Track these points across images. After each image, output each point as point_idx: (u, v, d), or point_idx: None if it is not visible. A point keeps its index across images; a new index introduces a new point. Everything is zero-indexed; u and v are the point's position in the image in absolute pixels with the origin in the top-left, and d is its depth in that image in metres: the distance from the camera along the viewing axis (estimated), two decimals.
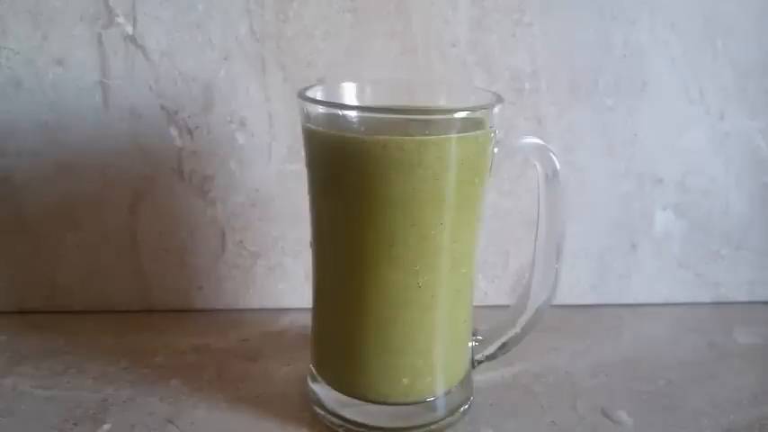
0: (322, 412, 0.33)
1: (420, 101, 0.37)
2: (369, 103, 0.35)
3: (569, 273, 0.46)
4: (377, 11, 0.41)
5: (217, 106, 0.42)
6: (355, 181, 0.29)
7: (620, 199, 0.46)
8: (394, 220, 0.29)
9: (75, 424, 0.33)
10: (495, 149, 0.31)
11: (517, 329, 0.34)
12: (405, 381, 0.32)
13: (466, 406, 0.34)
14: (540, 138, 0.32)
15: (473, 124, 0.29)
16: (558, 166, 0.31)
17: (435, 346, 0.32)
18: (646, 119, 0.44)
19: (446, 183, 0.29)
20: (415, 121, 0.29)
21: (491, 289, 0.47)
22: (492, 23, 0.41)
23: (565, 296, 0.47)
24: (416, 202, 0.29)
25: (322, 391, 0.34)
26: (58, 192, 0.43)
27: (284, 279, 0.46)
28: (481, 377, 0.37)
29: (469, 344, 0.35)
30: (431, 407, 0.33)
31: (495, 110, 0.30)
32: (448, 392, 0.33)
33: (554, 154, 0.31)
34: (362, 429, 0.32)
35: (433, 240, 0.29)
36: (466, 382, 0.35)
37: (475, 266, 0.33)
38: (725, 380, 0.39)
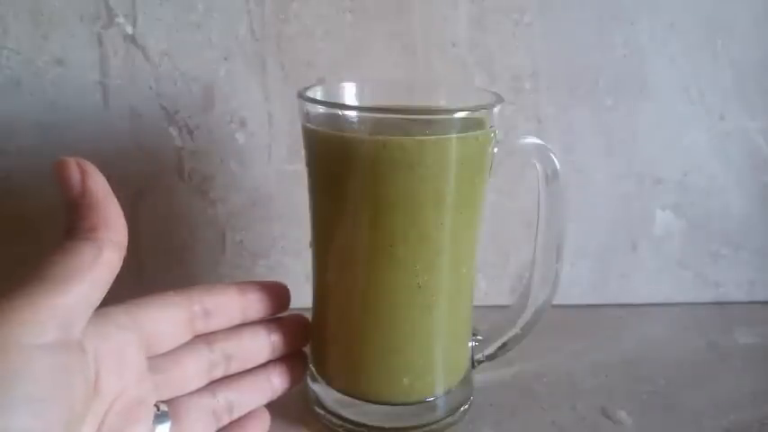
0: (322, 412, 0.33)
1: (420, 101, 0.37)
2: (369, 103, 0.35)
3: (569, 273, 0.46)
4: (377, 11, 0.41)
5: (217, 106, 0.42)
6: (355, 181, 0.29)
7: (620, 199, 0.46)
8: (394, 220, 0.29)
9: None
10: (495, 149, 0.31)
11: (517, 329, 0.34)
12: (405, 381, 0.32)
13: (466, 406, 0.34)
14: (540, 138, 0.32)
15: (473, 124, 0.29)
16: (558, 166, 0.31)
17: (435, 346, 0.32)
18: (646, 119, 0.44)
19: (446, 183, 0.29)
20: (415, 121, 0.29)
21: (491, 289, 0.47)
22: (492, 23, 0.41)
23: (565, 296, 0.46)
24: (416, 202, 0.29)
25: (322, 391, 0.34)
26: (59, 192, 0.42)
27: (284, 279, 0.45)
28: (481, 377, 0.37)
29: (469, 344, 0.35)
30: (431, 407, 0.33)
31: (496, 110, 0.30)
32: (448, 392, 0.33)
33: (554, 154, 0.31)
34: (362, 429, 0.32)
35: (433, 240, 0.29)
36: (466, 381, 0.35)
37: (475, 266, 0.33)
38: (725, 380, 0.39)
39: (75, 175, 0.25)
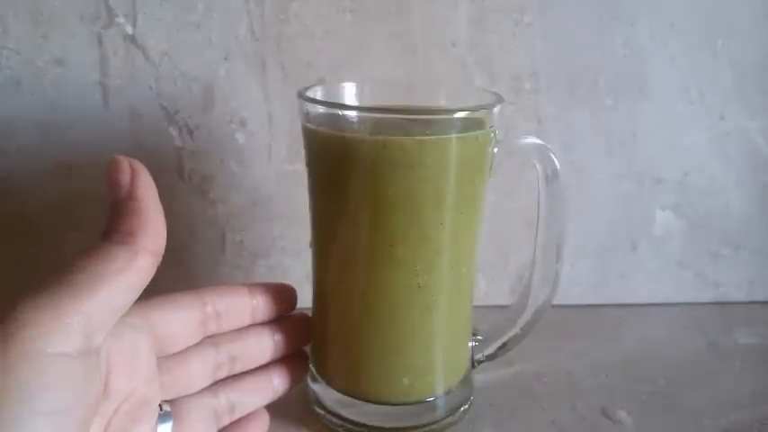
0: (322, 412, 0.33)
1: (420, 101, 0.37)
2: (369, 103, 0.35)
3: (569, 273, 0.46)
4: (377, 11, 0.41)
5: (217, 106, 0.42)
6: (355, 181, 0.29)
7: (620, 199, 0.46)
8: (394, 220, 0.29)
9: None
10: (495, 149, 0.31)
11: (517, 329, 0.34)
12: (405, 381, 0.32)
13: (466, 406, 0.34)
14: (540, 138, 0.32)
15: (473, 124, 0.29)
16: (558, 166, 0.31)
17: (435, 346, 0.32)
18: (646, 119, 0.44)
19: (446, 183, 0.29)
20: (416, 121, 0.29)
21: (491, 289, 0.47)
22: (492, 23, 0.41)
23: (565, 296, 0.46)
24: (416, 202, 0.29)
25: (322, 391, 0.34)
26: (59, 191, 0.42)
27: (284, 279, 0.45)
28: (481, 377, 0.37)
29: (469, 344, 0.35)
30: (431, 407, 0.33)
31: (496, 110, 0.30)
32: (448, 392, 0.33)
33: (554, 154, 0.31)
34: (362, 429, 0.32)
35: (433, 240, 0.29)
36: (466, 381, 0.35)
37: (475, 266, 0.33)
38: (725, 380, 0.39)
39: (124, 176, 0.24)
